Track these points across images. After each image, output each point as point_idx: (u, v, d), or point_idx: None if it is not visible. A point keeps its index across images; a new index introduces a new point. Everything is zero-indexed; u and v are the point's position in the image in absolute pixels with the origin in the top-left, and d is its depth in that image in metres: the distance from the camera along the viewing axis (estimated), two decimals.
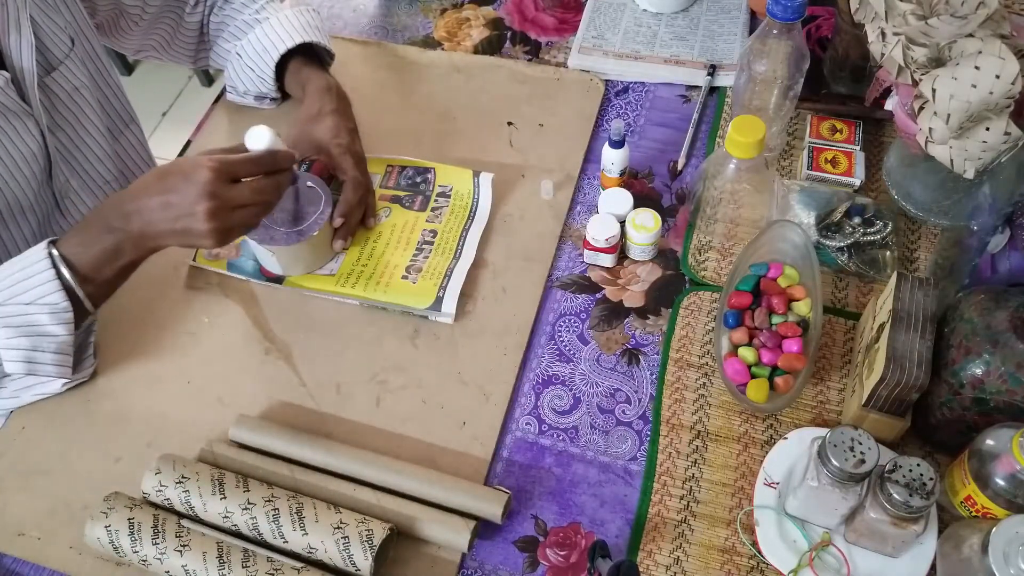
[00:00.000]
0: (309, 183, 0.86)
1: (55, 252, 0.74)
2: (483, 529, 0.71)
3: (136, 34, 0.98)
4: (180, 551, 0.66)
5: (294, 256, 0.84)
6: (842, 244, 0.83)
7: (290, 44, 0.93)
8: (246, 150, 0.76)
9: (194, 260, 0.88)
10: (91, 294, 0.76)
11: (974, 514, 0.66)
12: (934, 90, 0.69)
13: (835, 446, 0.61)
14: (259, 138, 0.76)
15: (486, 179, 0.92)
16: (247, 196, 0.74)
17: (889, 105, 0.81)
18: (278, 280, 0.86)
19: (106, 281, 0.76)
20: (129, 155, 1.03)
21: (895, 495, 0.60)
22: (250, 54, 0.95)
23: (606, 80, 1.04)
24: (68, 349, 0.77)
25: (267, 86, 0.97)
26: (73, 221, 0.95)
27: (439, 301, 0.83)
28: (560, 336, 0.83)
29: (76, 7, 0.89)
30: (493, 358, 0.81)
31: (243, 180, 0.74)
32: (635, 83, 1.04)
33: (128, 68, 2.40)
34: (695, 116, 0.98)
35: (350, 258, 0.87)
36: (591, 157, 0.96)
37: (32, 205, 0.88)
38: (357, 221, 0.88)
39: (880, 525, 0.63)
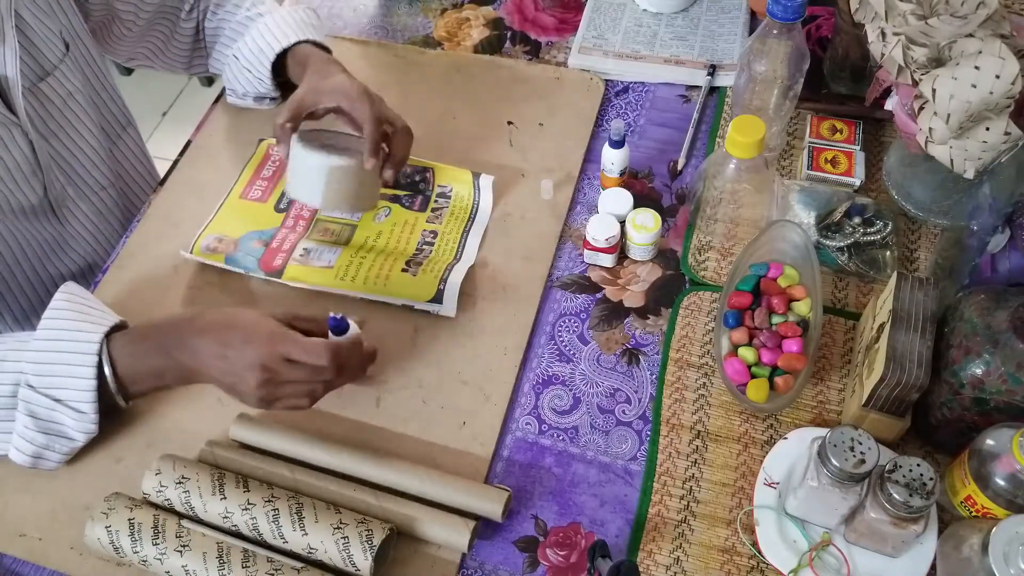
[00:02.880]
0: (347, 132, 0.85)
1: (105, 347, 0.71)
2: (483, 529, 0.71)
3: (129, 40, 0.97)
4: (180, 551, 0.66)
5: (342, 180, 0.79)
6: (842, 244, 0.83)
7: (285, 44, 0.93)
8: (319, 323, 0.74)
9: (191, 252, 0.88)
10: (128, 394, 0.74)
11: (974, 514, 0.66)
12: (934, 90, 0.69)
13: (835, 446, 0.62)
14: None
15: (487, 181, 0.92)
16: (299, 377, 0.71)
17: (889, 105, 0.81)
18: (277, 274, 0.86)
19: (137, 393, 0.74)
20: (127, 158, 1.03)
21: (895, 495, 0.60)
22: (246, 55, 0.95)
23: (606, 80, 1.04)
24: (74, 452, 0.75)
25: (265, 87, 0.97)
26: (72, 230, 0.94)
27: (440, 294, 0.83)
28: (560, 336, 0.83)
29: (72, 11, 0.88)
30: (493, 358, 0.81)
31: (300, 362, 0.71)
32: (635, 83, 1.04)
33: (128, 69, 2.40)
34: (695, 116, 0.98)
35: (348, 251, 0.87)
36: (591, 157, 0.96)
37: (25, 212, 0.87)
38: (402, 153, 0.84)
39: (880, 525, 0.63)
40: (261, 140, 0.99)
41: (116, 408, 0.75)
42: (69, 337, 0.72)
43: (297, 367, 0.70)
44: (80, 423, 0.72)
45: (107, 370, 0.71)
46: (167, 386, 0.75)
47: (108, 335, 0.72)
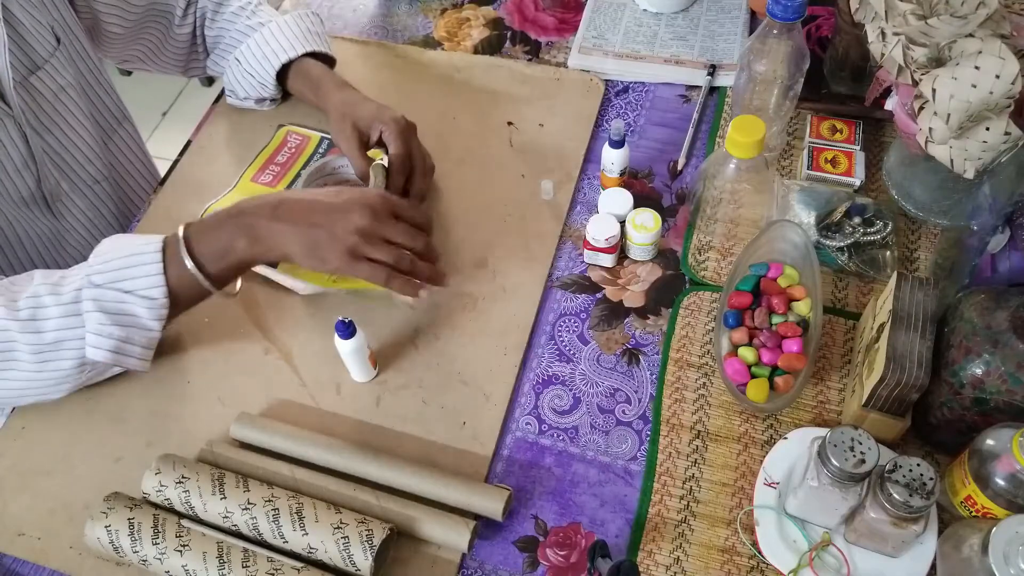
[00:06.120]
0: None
1: (181, 233, 0.73)
2: (483, 529, 0.71)
3: (120, 43, 0.97)
4: (180, 551, 0.66)
5: None
6: (842, 244, 0.83)
7: (291, 55, 0.93)
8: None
9: None
10: (210, 277, 0.74)
11: (974, 514, 0.66)
12: (934, 90, 0.69)
13: (835, 446, 0.61)
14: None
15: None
16: (397, 234, 0.74)
17: (889, 105, 0.81)
18: (272, 264, 0.85)
19: (218, 274, 0.74)
20: (123, 153, 1.03)
21: (895, 495, 0.60)
22: (249, 60, 0.95)
23: (606, 80, 1.04)
24: (154, 344, 0.76)
25: (268, 91, 0.97)
26: (67, 224, 0.94)
27: None
28: (560, 336, 0.83)
29: (64, 5, 0.87)
30: (493, 358, 0.81)
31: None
32: (635, 83, 1.04)
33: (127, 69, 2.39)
34: (695, 116, 0.98)
35: None
36: (591, 157, 0.96)
37: (19, 202, 0.87)
38: (419, 187, 0.88)
39: (880, 525, 0.63)
40: (280, 126, 0.99)
41: (198, 299, 0.76)
42: (130, 240, 0.73)
43: (398, 227, 0.73)
44: (153, 310, 0.73)
45: (186, 260, 0.72)
46: (239, 262, 0.74)
47: (183, 231, 0.73)
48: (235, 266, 0.75)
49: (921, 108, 0.72)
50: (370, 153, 0.90)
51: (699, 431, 0.76)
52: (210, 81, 2.37)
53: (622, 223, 0.85)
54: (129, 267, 0.72)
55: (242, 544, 0.67)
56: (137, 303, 0.72)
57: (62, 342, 0.72)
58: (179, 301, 0.74)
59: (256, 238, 0.73)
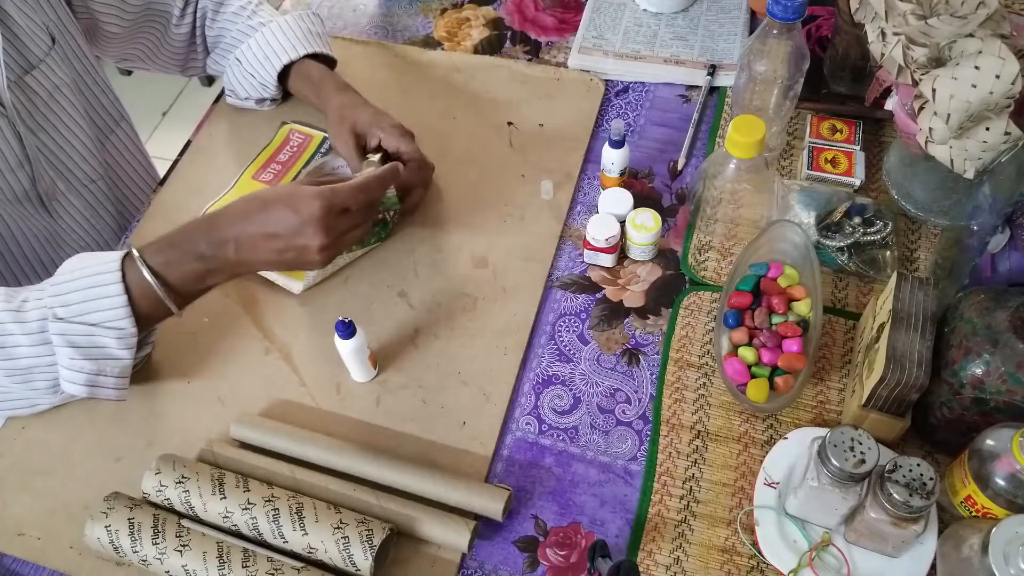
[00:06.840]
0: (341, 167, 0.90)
1: (135, 254, 0.71)
2: (483, 529, 0.71)
3: (117, 42, 0.97)
4: (180, 551, 0.66)
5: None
6: (842, 244, 0.83)
7: (293, 56, 0.93)
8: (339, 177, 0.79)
9: None
10: (177, 302, 0.74)
11: (974, 514, 0.66)
12: (934, 90, 0.69)
13: (835, 446, 0.61)
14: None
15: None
16: (355, 222, 0.76)
17: (889, 105, 0.81)
18: None
19: (189, 295, 0.75)
20: (120, 153, 1.03)
21: (895, 495, 0.60)
22: (251, 60, 0.95)
23: (606, 80, 1.04)
24: (128, 371, 0.75)
25: (269, 92, 0.97)
26: (63, 224, 0.94)
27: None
28: (560, 336, 0.83)
29: (60, 5, 0.87)
30: (493, 358, 0.81)
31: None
32: (635, 83, 1.04)
33: (127, 69, 2.39)
34: (695, 116, 0.98)
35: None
36: (591, 157, 0.96)
37: (12, 199, 0.87)
38: (418, 197, 0.90)
39: (880, 525, 0.63)
40: (283, 124, 0.99)
41: (164, 317, 0.75)
42: (87, 264, 0.72)
43: (350, 218, 0.75)
44: (123, 340, 0.72)
45: (148, 276, 0.71)
46: (214, 284, 0.75)
47: (137, 252, 0.72)
48: (209, 288, 0.76)
49: (921, 108, 0.72)
50: None
51: (699, 431, 0.76)
52: (210, 81, 2.37)
53: (622, 223, 0.85)
54: (92, 299, 0.71)
55: (242, 544, 0.67)
56: (105, 335, 0.71)
57: (34, 368, 0.72)
58: (147, 324, 0.74)
59: (230, 269, 0.74)
